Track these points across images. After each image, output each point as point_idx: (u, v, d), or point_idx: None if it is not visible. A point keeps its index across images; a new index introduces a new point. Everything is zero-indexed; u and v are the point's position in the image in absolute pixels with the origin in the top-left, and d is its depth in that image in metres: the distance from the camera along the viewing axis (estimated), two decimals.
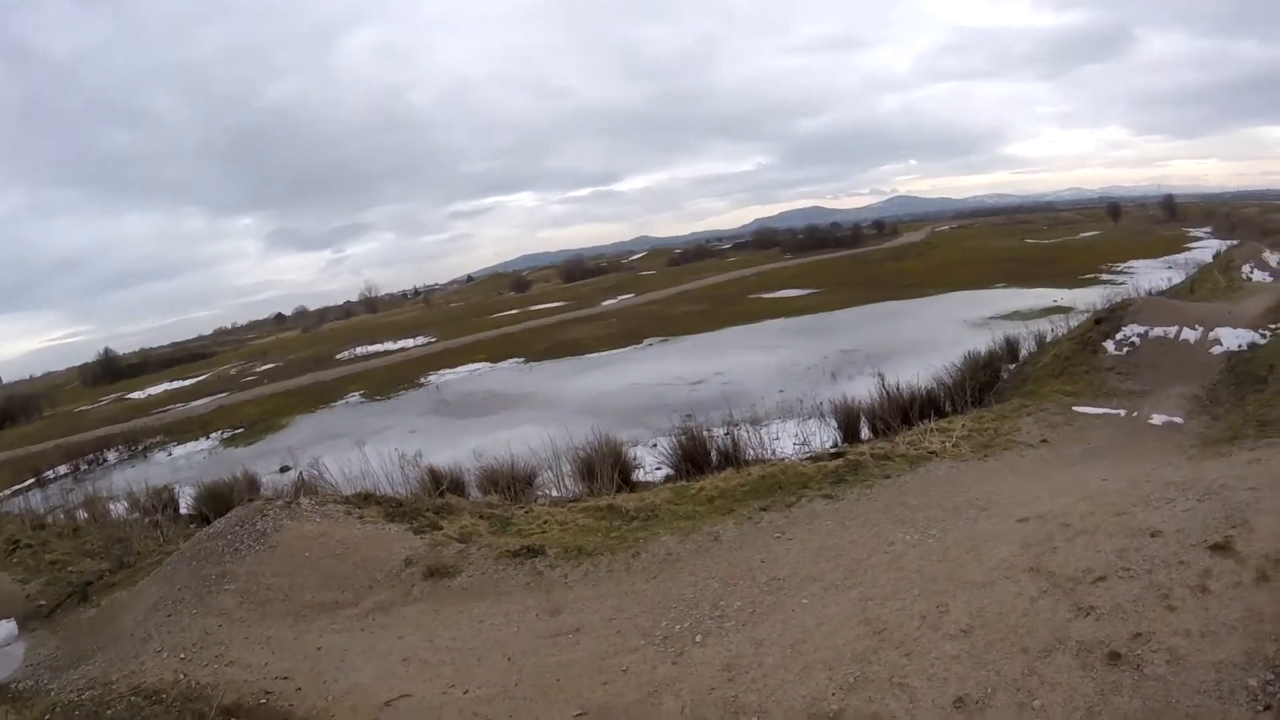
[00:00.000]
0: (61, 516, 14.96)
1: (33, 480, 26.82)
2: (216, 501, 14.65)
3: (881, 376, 16.01)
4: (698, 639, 6.15)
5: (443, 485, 12.79)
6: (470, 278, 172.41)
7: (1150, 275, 35.77)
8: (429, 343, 52.05)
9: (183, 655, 6.94)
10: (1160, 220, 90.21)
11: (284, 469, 19.43)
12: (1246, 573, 5.02)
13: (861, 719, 4.68)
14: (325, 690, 6.10)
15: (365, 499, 10.28)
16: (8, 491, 24.33)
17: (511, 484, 12.80)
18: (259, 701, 6.06)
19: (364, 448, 15.70)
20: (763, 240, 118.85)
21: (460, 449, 15.76)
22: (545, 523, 9.39)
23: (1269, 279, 29.77)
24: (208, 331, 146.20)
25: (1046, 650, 4.83)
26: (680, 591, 7.10)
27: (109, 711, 6.24)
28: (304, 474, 14.41)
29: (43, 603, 9.84)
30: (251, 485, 15.97)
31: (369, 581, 8.15)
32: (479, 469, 13.90)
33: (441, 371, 37.24)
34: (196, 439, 30.76)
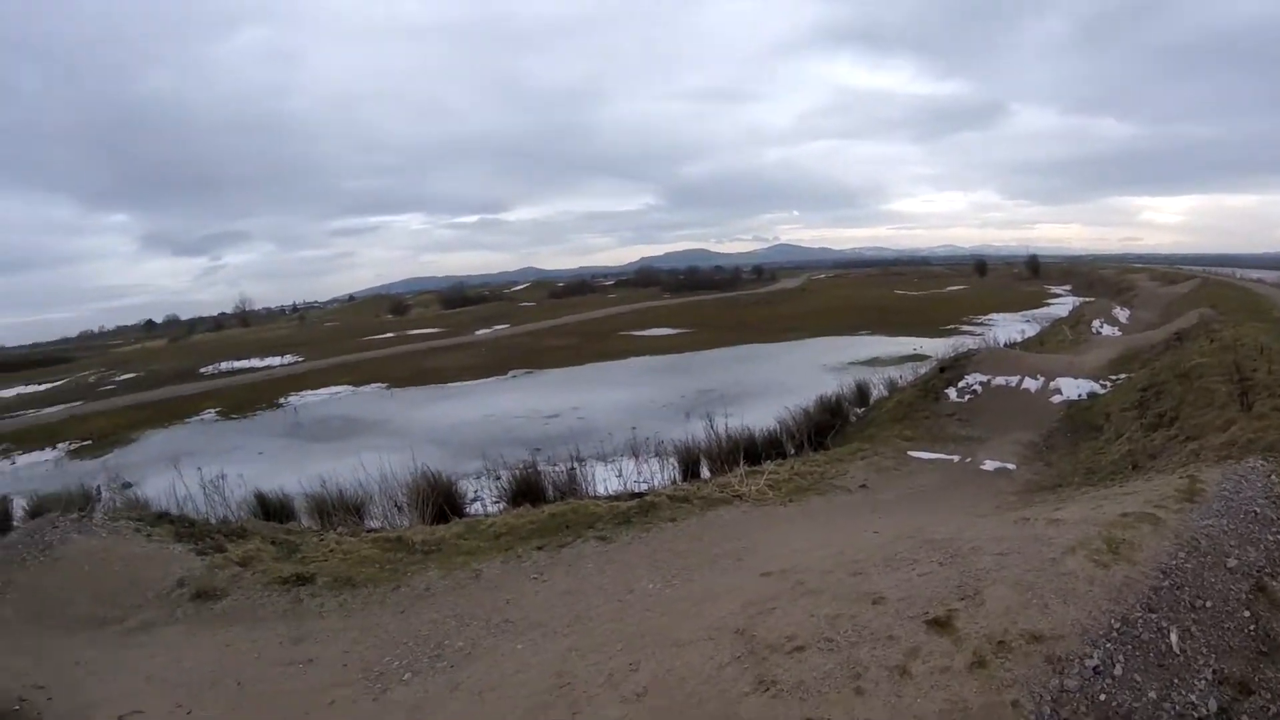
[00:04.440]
0: None
1: None
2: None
3: (710, 418, 16.10)
4: (405, 677, 6.32)
5: (237, 514, 12.64)
6: (352, 297, 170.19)
7: (1008, 328, 37.18)
8: (295, 362, 50.66)
9: None
10: (1024, 278, 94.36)
11: (125, 485, 18.63)
12: (961, 656, 4.51)
13: None
14: (72, 700, 6.20)
15: (159, 518, 10.28)
16: None
17: (335, 512, 12.57)
18: (12, 707, 6.07)
19: (202, 470, 15.28)
20: (645, 279, 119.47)
21: (306, 473, 15.27)
22: (330, 551, 9.33)
23: (1117, 333, 31.02)
24: (73, 334, 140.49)
25: None
26: (418, 628, 7.26)
27: None
28: (117, 489, 14.05)
29: None
30: (86, 499, 15.26)
31: (139, 600, 8.19)
32: (309, 496, 13.62)
33: (303, 393, 36.20)
34: (42, 448, 29.15)
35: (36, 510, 14.16)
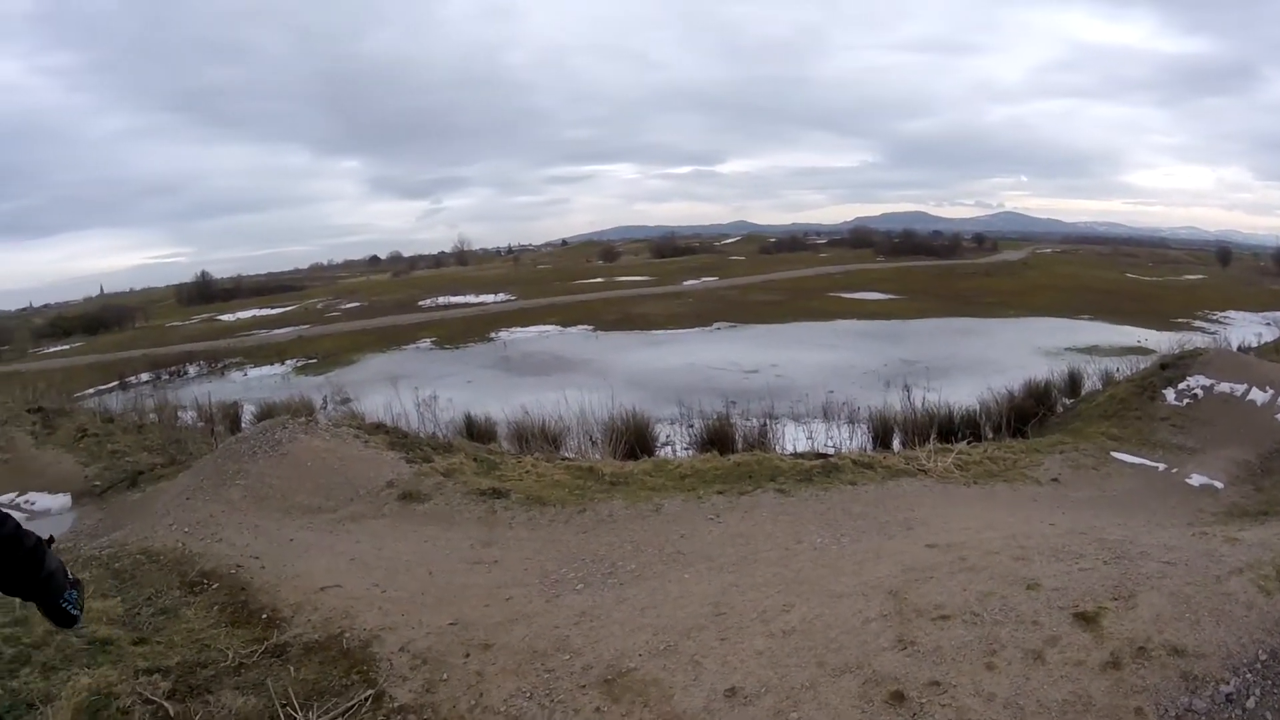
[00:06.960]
0: (133, 416, 15.94)
1: (116, 383, 28.47)
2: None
3: (909, 390, 16.00)
4: (578, 587, 6.79)
5: (445, 432, 13.76)
6: (564, 242, 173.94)
7: (1244, 329, 33.88)
8: (508, 300, 52.86)
9: (187, 530, 8.09)
10: (1270, 273, 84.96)
11: (345, 400, 20.21)
12: (1098, 653, 4.40)
13: (645, 682, 4.86)
14: (281, 571, 7.08)
15: (376, 428, 11.28)
16: (91, 390, 25.72)
17: (533, 439, 13.35)
18: (229, 571, 7.08)
19: (418, 390, 16.53)
20: (858, 239, 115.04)
21: (510, 403, 16.23)
22: (526, 472, 10.00)
23: None
24: (304, 266, 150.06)
25: (840, 670, 4.65)
26: (595, 548, 7.74)
27: (117, 564, 7.29)
28: (338, 402, 15.55)
29: (97, 484, 11.22)
30: (308, 410, 16.67)
31: (351, 495, 9.13)
32: (511, 423, 14.61)
33: (513, 329, 38.02)
34: (272, 364, 32.29)
35: (264, 415, 15.66)
